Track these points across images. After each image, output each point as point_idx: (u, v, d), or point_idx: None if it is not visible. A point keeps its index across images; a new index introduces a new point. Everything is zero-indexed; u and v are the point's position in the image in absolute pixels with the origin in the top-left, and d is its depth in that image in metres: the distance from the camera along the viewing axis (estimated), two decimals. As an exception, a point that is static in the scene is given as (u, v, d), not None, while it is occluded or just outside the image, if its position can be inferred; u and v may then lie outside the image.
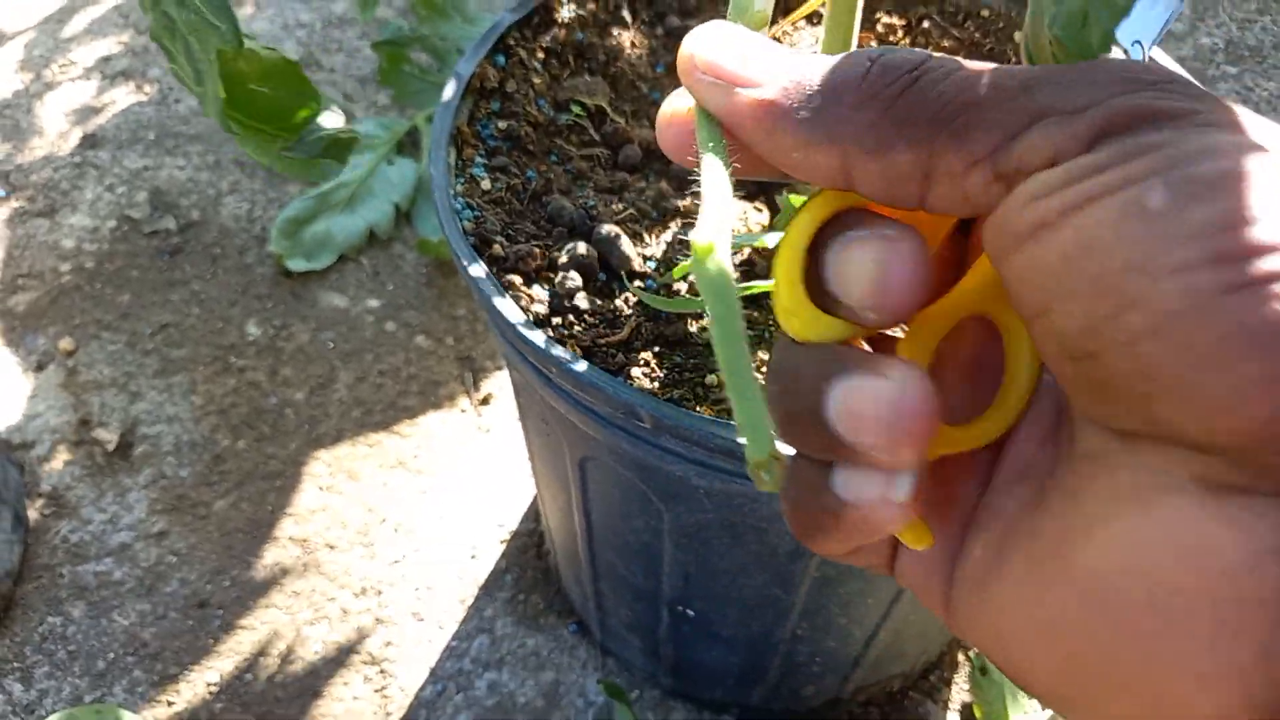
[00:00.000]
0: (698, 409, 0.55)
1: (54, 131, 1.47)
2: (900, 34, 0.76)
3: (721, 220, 0.28)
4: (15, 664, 0.96)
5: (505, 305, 0.57)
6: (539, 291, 0.61)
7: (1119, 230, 0.22)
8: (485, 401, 1.16)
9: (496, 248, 0.62)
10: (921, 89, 0.26)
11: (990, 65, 0.26)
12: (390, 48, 1.39)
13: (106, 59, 1.58)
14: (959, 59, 0.27)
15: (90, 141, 1.45)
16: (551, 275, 0.62)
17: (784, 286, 0.29)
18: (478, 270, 0.59)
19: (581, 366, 0.54)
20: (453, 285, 1.27)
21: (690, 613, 0.76)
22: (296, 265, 1.26)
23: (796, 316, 0.29)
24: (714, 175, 0.29)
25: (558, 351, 0.55)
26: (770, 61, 0.28)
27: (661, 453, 0.57)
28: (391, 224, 1.30)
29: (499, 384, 1.17)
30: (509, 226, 0.64)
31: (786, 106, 0.27)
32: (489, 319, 0.63)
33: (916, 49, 0.27)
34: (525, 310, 0.59)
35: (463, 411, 1.15)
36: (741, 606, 0.72)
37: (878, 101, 0.26)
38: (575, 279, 0.61)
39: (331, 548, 1.04)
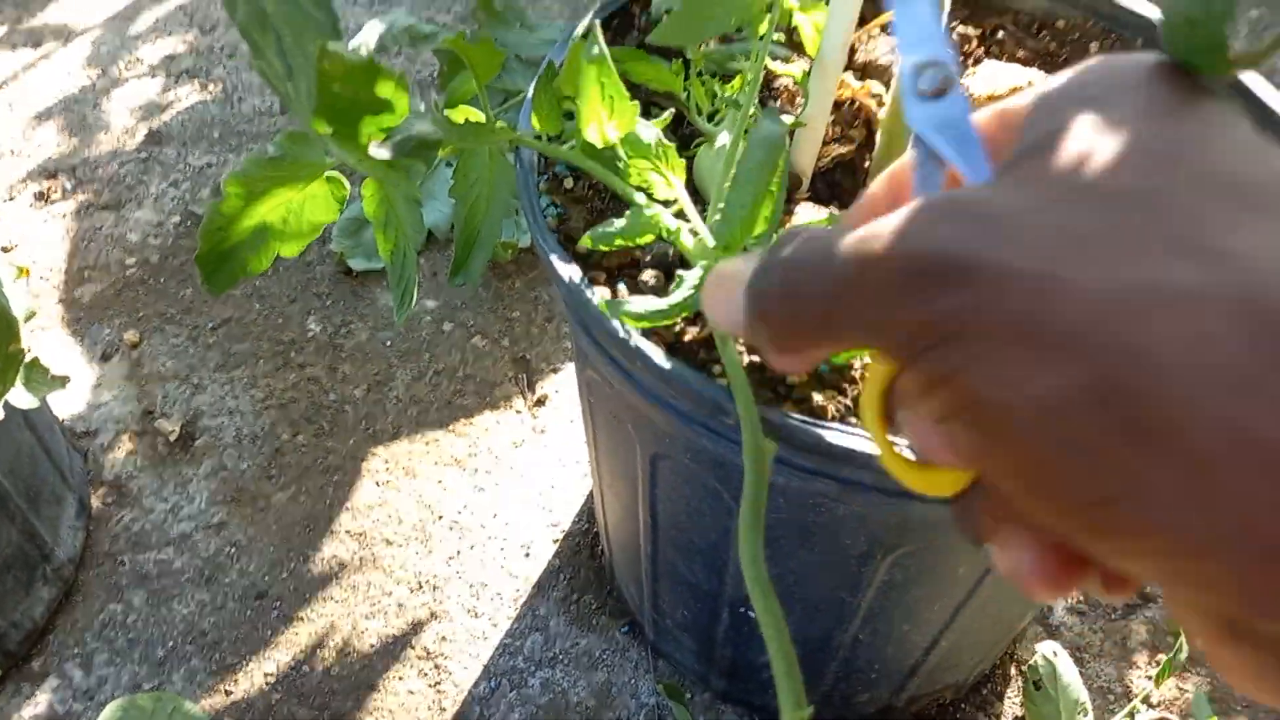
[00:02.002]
0: (780, 407, 0.56)
1: (120, 127, 1.50)
2: (975, 43, 0.76)
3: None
4: (75, 649, 0.98)
5: (592, 299, 0.58)
6: (622, 289, 0.62)
7: None
8: (540, 403, 1.17)
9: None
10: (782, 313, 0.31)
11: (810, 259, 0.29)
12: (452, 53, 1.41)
13: (172, 57, 1.62)
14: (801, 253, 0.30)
15: (155, 138, 1.48)
16: (634, 273, 0.63)
17: (888, 462, 0.33)
18: (564, 264, 0.60)
19: (668, 363, 0.55)
20: (508, 287, 1.28)
21: (751, 614, 0.76)
22: (357, 264, 1.28)
23: (909, 480, 0.32)
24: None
25: (645, 346, 0.56)
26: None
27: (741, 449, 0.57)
28: (450, 225, 1.32)
29: (554, 385, 1.18)
30: (591, 225, 0.65)
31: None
32: (571, 315, 0.64)
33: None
34: (609, 306, 0.59)
35: (517, 412, 1.16)
36: (805, 609, 0.72)
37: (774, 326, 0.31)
38: (656, 276, 0.61)
39: (388, 543, 1.05)
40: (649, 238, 0.58)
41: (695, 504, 0.69)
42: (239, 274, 0.73)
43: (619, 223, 0.58)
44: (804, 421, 0.52)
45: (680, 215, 0.56)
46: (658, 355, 0.55)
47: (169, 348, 1.21)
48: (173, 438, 1.12)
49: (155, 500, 1.08)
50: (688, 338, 0.59)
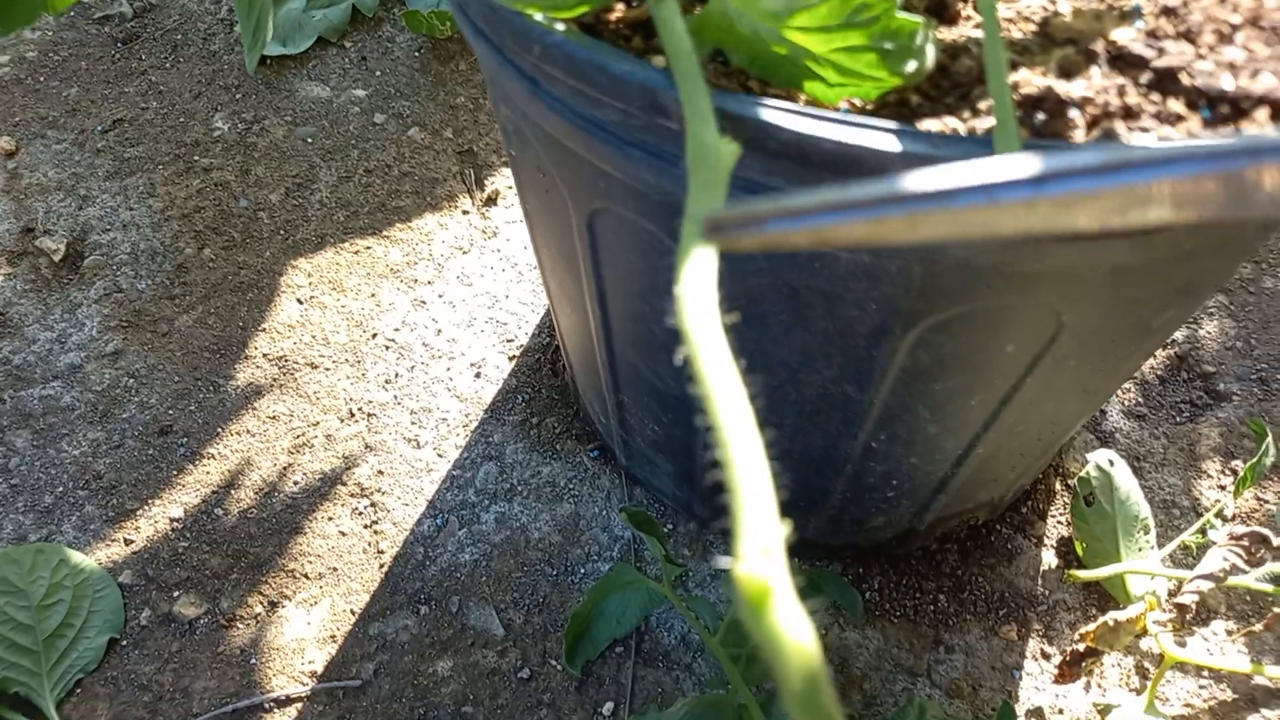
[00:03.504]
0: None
1: (-6, -90, 1.27)
2: None
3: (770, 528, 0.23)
4: (-40, 500, 0.84)
5: (470, -32, 0.39)
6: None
7: None
8: (490, 201, 0.99)
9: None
10: None
11: None
12: None
13: None
14: None
15: (34, -82, 1.25)
16: (539, -62, 0.43)
17: None
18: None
19: (575, 38, 0.36)
20: (450, 71, 1.08)
21: (735, 424, 0.60)
22: (271, 50, 1.08)
23: None
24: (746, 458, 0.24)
25: (538, 23, 0.37)
26: None
27: (697, 177, 0.40)
28: (379, 2, 1.11)
29: (506, 180, 1.00)
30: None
31: None
32: (453, 5, 0.46)
33: None
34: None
35: (464, 212, 0.98)
36: (801, 411, 0.56)
37: None
38: (572, -60, 0.42)
39: (313, 367, 0.89)
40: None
41: (648, 278, 0.51)
42: (36, 6, 0.55)
43: None
44: (785, 110, 0.34)
45: None
46: (561, 33, 0.37)
47: (51, 155, 1.02)
48: (57, 257, 0.95)
49: (39, 329, 0.91)
50: (614, 16, 0.41)
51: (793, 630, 0.23)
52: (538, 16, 0.37)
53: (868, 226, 0.18)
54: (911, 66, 0.36)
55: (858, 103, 0.39)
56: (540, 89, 0.42)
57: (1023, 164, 0.17)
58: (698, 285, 0.29)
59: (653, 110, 0.36)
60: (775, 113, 0.34)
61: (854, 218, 0.18)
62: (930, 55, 0.37)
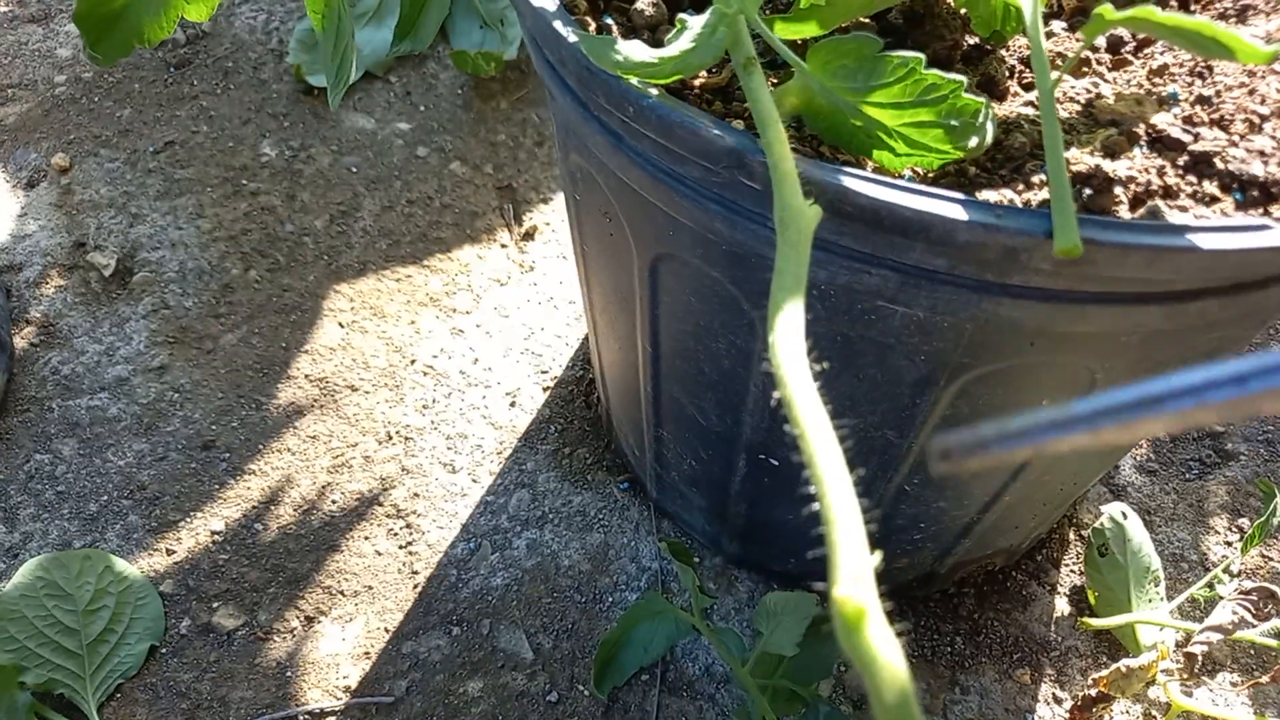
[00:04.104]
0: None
1: (52, -66, 1.32)
2: None
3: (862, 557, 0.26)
4: None
5: (567, 35, 0.43)
6: (610, 24, 0.46)
7: None
8: (528, 236, 1.02)
9: (555, -32, 0.47)
10: None
11: None
12: None
13: None
14: None
15: (92, -56, 1.30)
16: (625, 4, 0.47)
17: None
18: (531, -14, 0.44)
19: (668, 102, 0.40)
20: (492, 108, 1.12)
21: (774, 461, 0.63)
22: (318, 81, 1.11)
23: None
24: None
25: (638, 87, 0.40)
26: None
27: (770, 232, 0.43)
28: (424, 43, 1.15)
29: (544, 216, 1.03)
30: (571, -53, 0.50)
31: None
32: (542, 65, 0.49)
33: None
34: (593, 42, 0.44)
35: (502, 246, 1.01)
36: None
37: None
38: (654, 6, 0.46)
39: (353, 389, 0.92)
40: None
41: (705, 320, 0.54)
42: (132, 40, 0.59)
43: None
44: (862, 177, 0.37)
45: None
46: (655, 96, 0.40)
47: (104, 173, 1.06)
48: (108, 272, 0.98)
49: (88, 341, 0.94)
50: (698, 83, 0.44)
51: (885, 650, 0.26)
52: (633, 80, 0.40)
53: (1084, 438, 0.21)
54: (974, 142, 0.39)
55: (920, 171, 0.43)
56: (624, 143, 0.46)
57: (1227, 367, 0.19)
58: (790, 337, 0.32)
59: (737, 170, 0.40)
60: (854, 180, 0.37)
61: (1072, 432, 0.21)
62: (990, 132, 0.40)
